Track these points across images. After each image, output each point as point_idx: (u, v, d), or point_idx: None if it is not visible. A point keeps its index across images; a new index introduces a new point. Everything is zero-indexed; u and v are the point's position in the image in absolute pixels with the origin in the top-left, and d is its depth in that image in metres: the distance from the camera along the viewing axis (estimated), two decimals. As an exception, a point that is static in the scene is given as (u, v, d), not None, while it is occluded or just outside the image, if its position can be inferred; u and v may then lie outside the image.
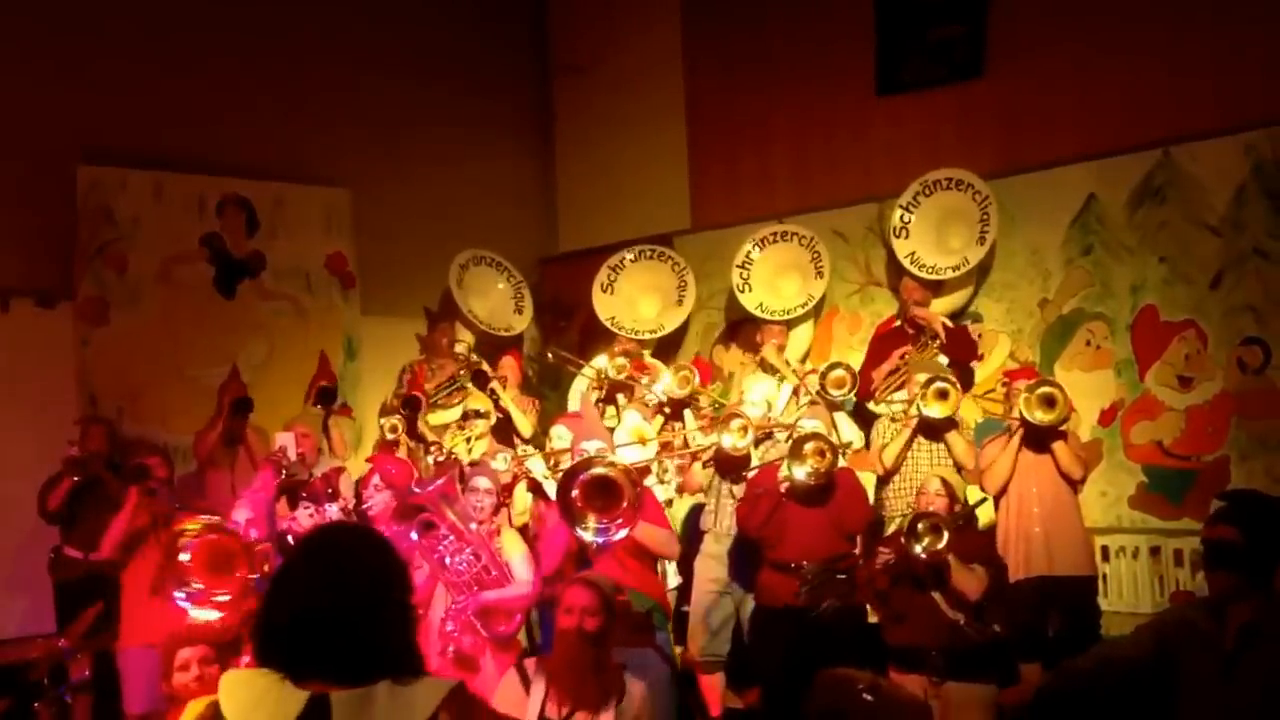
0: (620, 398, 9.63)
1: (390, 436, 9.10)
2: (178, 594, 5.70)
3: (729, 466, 7.95)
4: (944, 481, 6.80)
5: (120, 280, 9.86)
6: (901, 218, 9.10)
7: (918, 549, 6.32)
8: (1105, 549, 8.19)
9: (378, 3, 11.32)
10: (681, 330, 10.68)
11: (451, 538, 6.31)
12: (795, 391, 8.83)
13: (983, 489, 7.49)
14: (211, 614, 5.59)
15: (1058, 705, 4.80)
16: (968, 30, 9.21)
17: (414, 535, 6.39)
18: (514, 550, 6.63)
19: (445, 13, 11.78)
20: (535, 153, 12.62)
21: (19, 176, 9.42)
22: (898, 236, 9.08)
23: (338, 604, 2.63)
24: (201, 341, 10.23)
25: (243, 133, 10.38)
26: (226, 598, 5.68)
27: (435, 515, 6.37)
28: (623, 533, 6.17)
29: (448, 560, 6.27)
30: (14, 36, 9.46)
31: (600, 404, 9.59)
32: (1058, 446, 7.32)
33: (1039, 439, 7.34)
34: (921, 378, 7.99)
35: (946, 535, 6.30)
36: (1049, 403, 7.22)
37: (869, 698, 4.95)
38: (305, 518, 7.12)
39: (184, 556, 5.76)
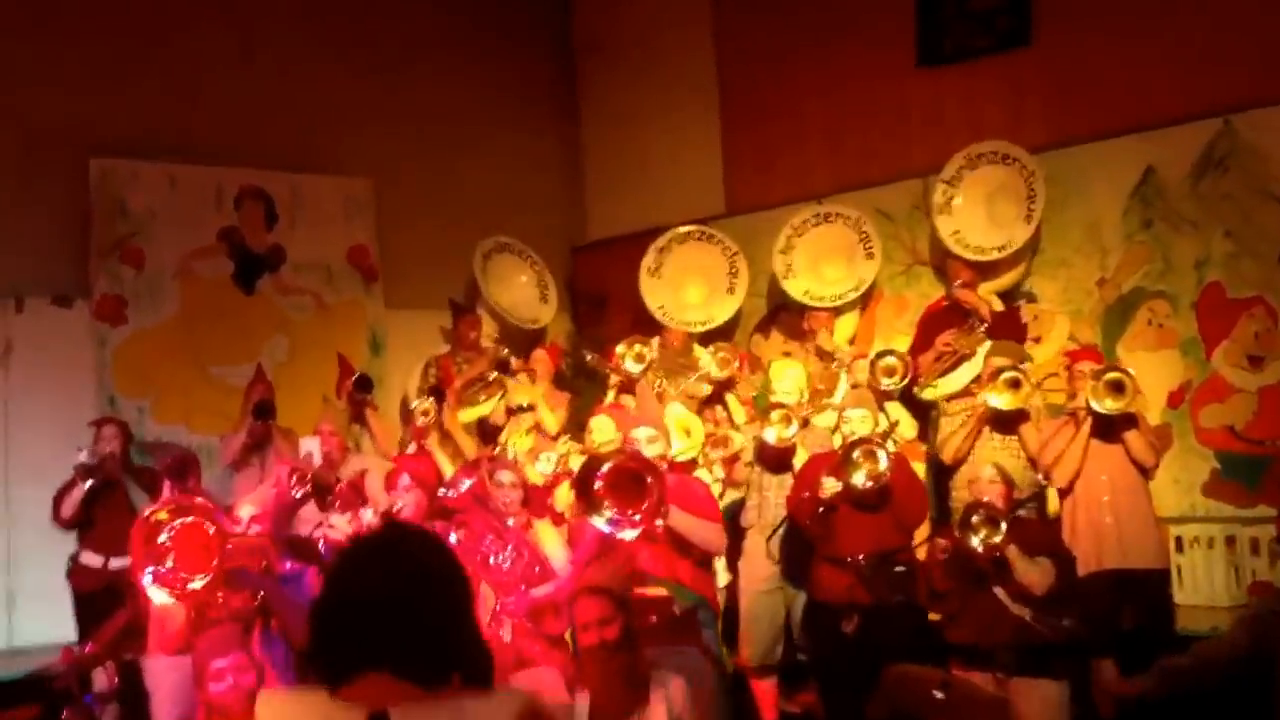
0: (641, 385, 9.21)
1: (422, 421, 8.69)
2: (146, 572, 5.27)
3: (773, 460, 7.60)
4: (999, 469, 6.44)
5: (138, 277, 9.66)
6: (944, 193, 8.71)
7: (974, 542, 5.97)
8: (1179, 539, 7.77)
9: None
10: (734, 321, 10.25)
11: (491, 537, 5.97)
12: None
13: (1050, 481, 7.14)
14: (166, 597, 5.19)
15: (1163, 707, 4.54)
16: (1013, -4, 8.82)
17: (453, 538, 6.05)
18: (551, 543, 6.29)
19: (465, -5, 11.43)
20: (562, 138, 12.24)
21: (29, 171, 9.21)
22: (941, 214, 8.69)
23: (409, 597, 2.43)
24: (223, 339, 9.99)
25: (259, 121, 10.10)
26: (199, 584, 5.24)
27: (471, 516, 6.05)
28: (632, 532, 5.82)
29: (492, 560, 5.93)
30: (21, 25, 9.21)
31: (619, 394, 9.22)
32: (1130, 435, 6.93)
33: (1108, 425, 6.94)
34: (1000, 361, 7.57)
35: (1004, 527, 5.94)
36: (1117, 389, 6.82)
37: (941, 695, 4.70)
38: (343, 524, 6.79)
39: (162, 538, 5.33)
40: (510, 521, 6.17)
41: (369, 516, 6.82)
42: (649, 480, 5.73)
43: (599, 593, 4.63)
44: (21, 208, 9.09)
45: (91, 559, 8.04)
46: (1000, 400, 7.33)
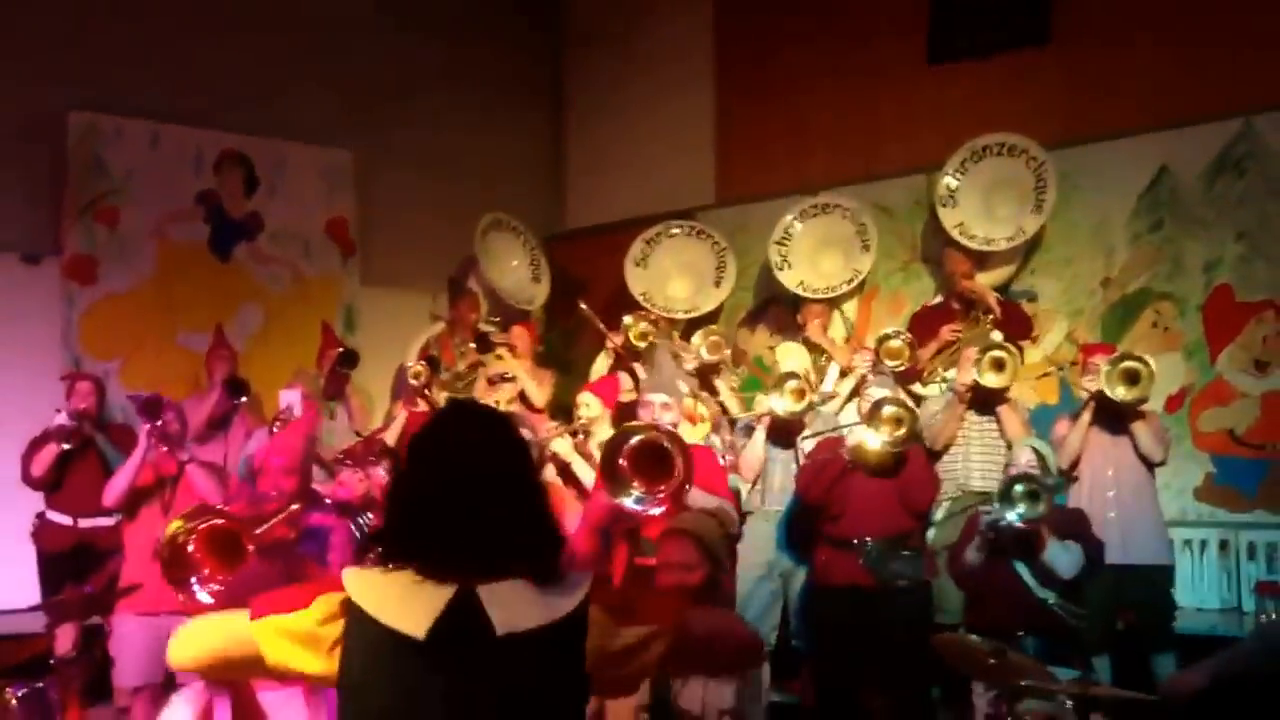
0: (638, 366, 9.05)
1: (414, 383, 8.64)
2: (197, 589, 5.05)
3: (779, 434, 7.44)
4: (1035, 451, 6.33)
5: (111, 237, 9.38)
6: (948, 186, 8.58)
7: (1012, 515, 5.84)
8: (1170, 543, 7.58)
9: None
10: (715, 314, 10.08)
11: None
12: (843, 371, 8.31)
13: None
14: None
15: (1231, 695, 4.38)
16: (1032, -9, 8.71)
17: None
18: (559, 505, 6.07)
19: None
20: (545, 123, 12.08)
21: (4, 122, 8.88)
22: (944, 205, 8.57)
23: (480, 482, 2.52)
24: (195, 305, 9.72)
25: (244, 86, 9.81)
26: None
27: None
28: (660, 509, 5.62)
29: None
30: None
31: (615, 372, 9.03)
32: (1138, 426, 6.85)
33: (1117, 418, 6.87)
34: (973, 351, 7.49)
35: (1045, 501, 5.83)
36: (1132, 378, 6.72)
37: (994, 662, 4.57)
38: (354, 481, 6.55)
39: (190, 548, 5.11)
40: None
41: (381, 474, 6.62)
42: (673, 452, 5.54)
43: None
44: (-6, 159, 8.80)
45: (59, 518, 7.80)
46: (988, 379, 7.25)
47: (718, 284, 9.97)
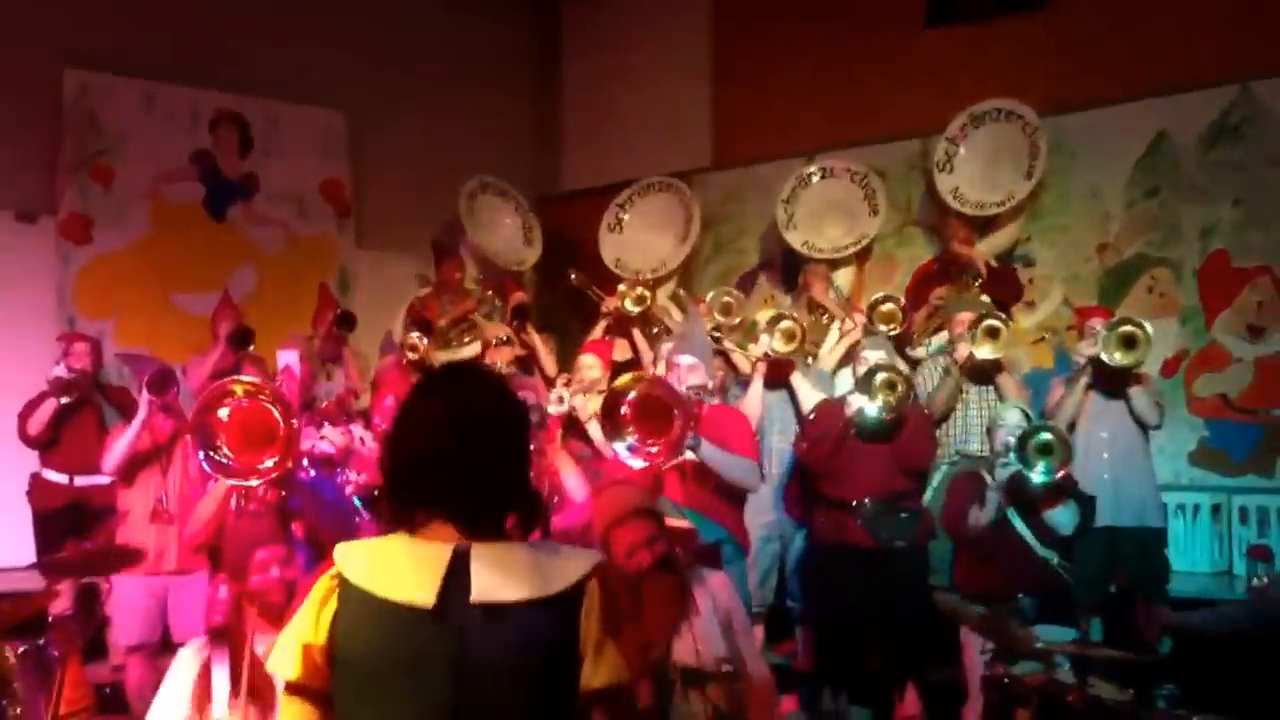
0: (636, 331, 9.08)
1: (411, 355, 8.61)
2: (203, 454, 5.04)
3: (770, 375, 7.42)
4: (1024, 412, 6.34)
5: (106, 196, 9.32)
6: (946, 151, 8.60)
7: (1038, 476, 5.88)
8: (1163, 506, 7.68)
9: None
10: (688, 267, 10.11)
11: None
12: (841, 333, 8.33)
13: None
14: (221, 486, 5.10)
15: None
16: (1030, -45, 8.70)
17: None
18: (567, 470, 6.06)
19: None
20: (541, 85, 12.04)
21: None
22: (941, 170, 8.58)
23: (464, 448, 2.45)
24: (190, 265, 9.68)
25: (239, 45, 9.76)
26: (257, 482, 5.05)
27: None
28: (641, 463, 5.61)
29: None
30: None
31: (610, 336, 9.05)
32: (1134, 390, 6.84)
33: (1113, 381, 6.86)
34: (966, 316, 7.49)
35: (1063, 452, 5.85)
36: (1129, 343, 6.72)
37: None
38: (336, 436, 6.56)
39: (222, 413, 5.07)
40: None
41: (360, 431, 6.64)
42: (676, 412, 5.54)
43: (643, 514, 4.40)
44: (-10, 117, 8.74)
45: (55, 476, 7.72)
46: (983, 350, 7.19)
47: (683, 240, 9.95)
